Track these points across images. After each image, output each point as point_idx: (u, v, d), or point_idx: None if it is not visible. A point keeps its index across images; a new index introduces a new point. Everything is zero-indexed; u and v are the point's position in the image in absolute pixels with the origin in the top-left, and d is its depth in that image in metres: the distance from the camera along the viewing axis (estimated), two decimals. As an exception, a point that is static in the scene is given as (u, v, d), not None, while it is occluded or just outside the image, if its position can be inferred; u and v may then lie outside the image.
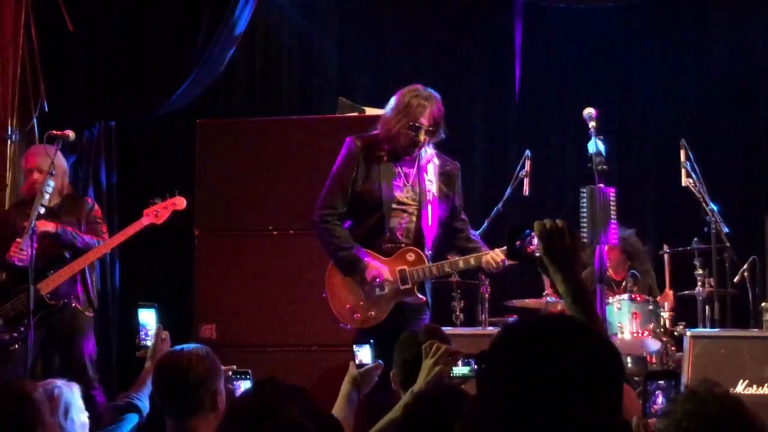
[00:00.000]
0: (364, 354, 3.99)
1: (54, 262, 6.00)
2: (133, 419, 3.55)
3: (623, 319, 6.43)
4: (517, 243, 2.55)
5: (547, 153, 7.63)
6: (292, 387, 2.96)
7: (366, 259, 4.98)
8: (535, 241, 2.48)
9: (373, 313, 5.02)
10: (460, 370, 3.29)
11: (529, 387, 1.54)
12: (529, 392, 1.54)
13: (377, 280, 4.97)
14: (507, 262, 5.00)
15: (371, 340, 4.13)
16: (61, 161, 6.13)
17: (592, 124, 5.54)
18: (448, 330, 4.79)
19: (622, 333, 6.37)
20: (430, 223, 5.08)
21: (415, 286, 5.03)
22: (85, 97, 7.29)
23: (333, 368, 5.28)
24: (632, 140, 7.89)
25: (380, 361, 4.04)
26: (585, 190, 5.30)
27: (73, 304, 5.99)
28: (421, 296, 5.08)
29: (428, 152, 5.12)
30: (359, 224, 5.10)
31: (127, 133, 7.66)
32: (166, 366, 3.31)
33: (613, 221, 5.33)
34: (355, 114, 7.00)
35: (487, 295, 6.65)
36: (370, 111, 7.11)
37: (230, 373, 3.72)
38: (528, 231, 2.51)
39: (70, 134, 6.05)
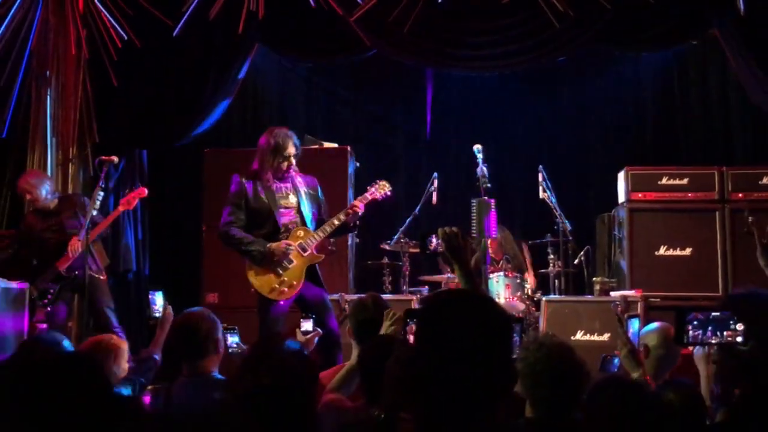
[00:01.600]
0: (307, 325, 4.02)
1: (66, 246, 5.88)
2: (154, 366, 3.60)
3: (500, 288, 6.45)
4: (427, 242, 2.64)
5: (449, 175, 7.66)
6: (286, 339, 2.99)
7: (268, 245, 4.86)
8: (435, 241, 2.57)
9: (295, 282, 4.90)
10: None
11: (450, 338, 1.55)
12: (450, 341, 1.54)
13: (288, 247, 4.85)
14: (361, 212, 4.99)
15: (313, 315, 4.13)
16: (44, 179, 6.06)
17: (479, 155, 5.62)
18: (383, 296, 4.83)
19: (499, 298, 6.37)
20: (307, 213, 5.01)
21: (312, 249, 4.94)
22: (125, 132, 7.21)
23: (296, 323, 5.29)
24: (507, 166, 7.95)
25: (319, 329, 4.06)
26: (474, 201, 5.37)
27: (89, 272, 5.77)
28: (319, 255, 5.00)
29: (292, 172, 5.06)
30: (260, 228, 4.94)
31: (155, 158, 7.59)
32: (181, 324, 3.32)
33: (493, 222, 5.41)
34: (317, 146, 7.02)
35: (407, 272, 6.68)
36: (327, 144, 7.13)
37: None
38: (433, 235, 2.61)
39: (115, 159, 5.97)
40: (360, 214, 5.04)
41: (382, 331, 3.29)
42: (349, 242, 6.85)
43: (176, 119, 7.24)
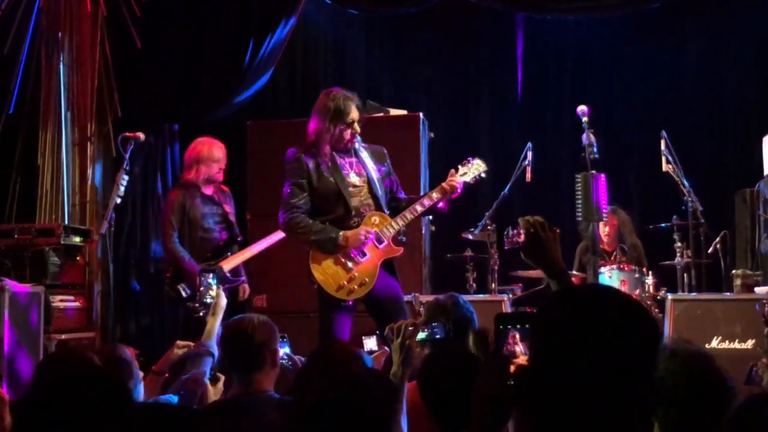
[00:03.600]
0: (371, 343, 4.00)
1: (230, 245, 5.90)
2: (209, 362, 3.64)
3: (614, 285, 6.29)
4: (504, 235, 2.59)
5: (546, 144, 7.58)
6: (354, 349, 2.97)
7: (341, 232, 4.80)
8: (513, 232, 2.50)
9: (367, 279, 4.84)
10: (420, 336, 3.17)
11: (584, 347, 1.52)
12: (584, 351, 1.52)
13: (367, 233, 4.79)
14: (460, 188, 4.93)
15: (377, 332, 4.09)
16: (213, 151, 5.97)
17: (584, 119, 5.55)
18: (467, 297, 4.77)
19: (613, 297, 6.31)
20: (380, 193, 4.94)
21: (390, 241, 4.88)
22: (152, 104, 7.31)
23: (361, 331, 5.28)
24: (619, 132, 7.83)
25: (386, 348, 4.01)
26: (579, 177, 5.30)
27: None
28: (397, 247, 4.94)
29: (356, 143, 5.00)
30: (327, 214, 4.89)
31: (189, 133, 7.68)
32: (234, 331, 3.32)
33: (603, 202, 5.32)
34: (381, 114, 7.00)
35: (495, 267, 6.58)
36: (393, 111, 7.11)
37: None
38: (510, 227, 2.55)
39: (141, 136, 6.03)
40: (458, 194, 4.96)
41: (395, 354, 3.06)
42: (423, 231, 6.82)
43: (212, 86, 7.33)
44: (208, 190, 5.95)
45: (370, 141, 5.20)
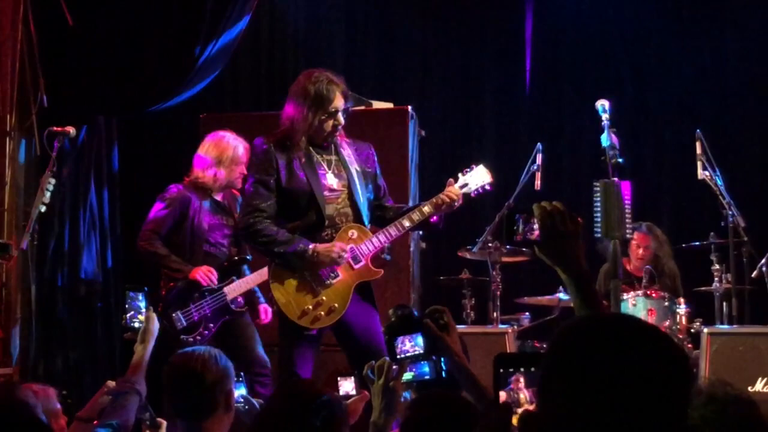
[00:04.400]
0: (347, 385, 3.97)
1: (237, 267, 5.82)
2: (136, 402, 3.57)
3: (639, 314, 6.26)
4: (516, 228, 2.48)
5: (560, 146, 7.61)
6: (321, 392, 2.95)
7: (312, 245, 4.74)
8: (525, 226, 2.42)
9: (337, 305, 4.78)
10: (407, 376, 3.14)
11: (604, 389, 1.54)
12: (604, 394, 1.54)
13: (342, 252, 4.74)
14: (458, 202, 4.90)
15: (355, 371, 4.07)
16: (240, 153, 5.85)
17: (605, 116, 5.54)
18: (460, 328, 4.74)
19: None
20: (362, 201, 4.90)
21: (368, 260, 4.86)
22: (85, 93, 7.27)
23: (338, 369, 5.24)
24: (648, 132, 7.86)
25: (366, 392, 3.97)
26: (598, 184, 5.27)
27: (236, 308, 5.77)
28: (376, 270, 4.91)
29: (338, 137, 4.97)
30: (294, 220, 4.84)
31: (129, 127, 7.66)
32: (180, 368, 3.30)
33: (627, 216, 5.32)
34: (362, 107, 6.99)
35: (498, 293, 6.61)
36: (377, 104, 7.10)
37: None
38: (522, 216, 2.44)
39: (71, 130, 6.02)
40: (456, 206, 4.92)
41: (375, 398, 3.02)
42: (412, 248, 6.80)
43: (159, 73, 7.29)
44: (219, 196, 5.89)
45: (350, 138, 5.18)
